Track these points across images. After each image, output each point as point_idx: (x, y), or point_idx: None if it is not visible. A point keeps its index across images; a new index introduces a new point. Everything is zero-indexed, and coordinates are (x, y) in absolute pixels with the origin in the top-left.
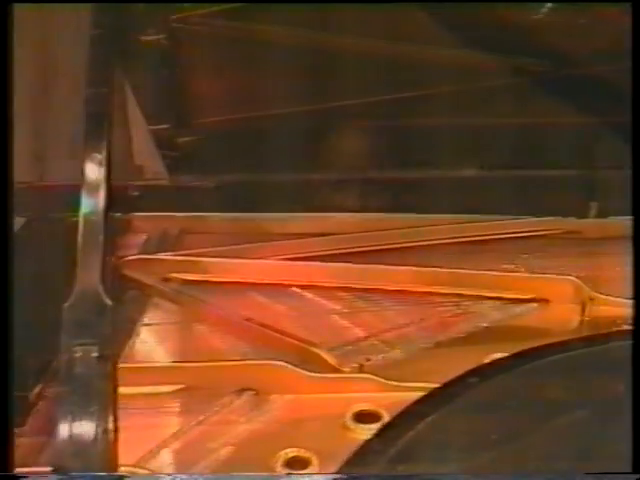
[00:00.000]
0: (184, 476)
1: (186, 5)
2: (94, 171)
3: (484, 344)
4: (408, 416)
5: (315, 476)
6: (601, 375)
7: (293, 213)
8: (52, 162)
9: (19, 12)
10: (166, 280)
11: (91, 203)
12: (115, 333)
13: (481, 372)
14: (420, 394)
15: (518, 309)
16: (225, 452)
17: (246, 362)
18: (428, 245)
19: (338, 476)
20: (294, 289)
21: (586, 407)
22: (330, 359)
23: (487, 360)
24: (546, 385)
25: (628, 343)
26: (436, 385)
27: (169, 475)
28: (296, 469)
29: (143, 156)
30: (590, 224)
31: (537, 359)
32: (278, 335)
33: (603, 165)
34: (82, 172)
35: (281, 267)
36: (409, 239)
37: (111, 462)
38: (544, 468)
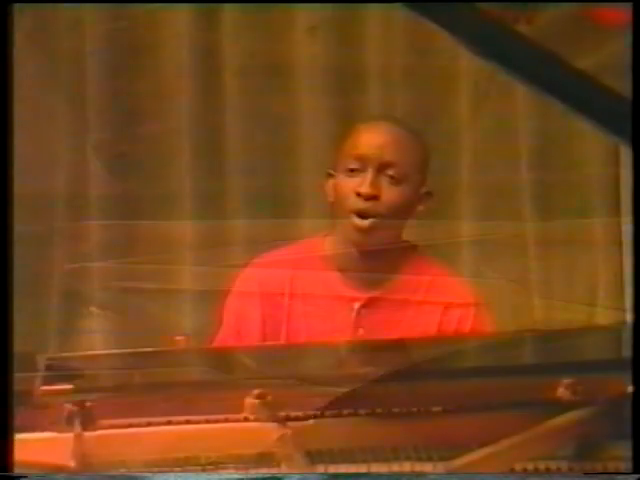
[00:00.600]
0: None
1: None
2: None
3: (419, 349)
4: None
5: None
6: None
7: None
8: None
9: None
10: (107, 288)
11: None
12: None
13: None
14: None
15: (457, 312)
16: (153, 455)
17: (174, 368)
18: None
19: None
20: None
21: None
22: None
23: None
24: (463, 387)
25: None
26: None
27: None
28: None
29: (87, 165)
30: (534, 228)
31: (460, 362)
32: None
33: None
34: None
35: (225, 274)
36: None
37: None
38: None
